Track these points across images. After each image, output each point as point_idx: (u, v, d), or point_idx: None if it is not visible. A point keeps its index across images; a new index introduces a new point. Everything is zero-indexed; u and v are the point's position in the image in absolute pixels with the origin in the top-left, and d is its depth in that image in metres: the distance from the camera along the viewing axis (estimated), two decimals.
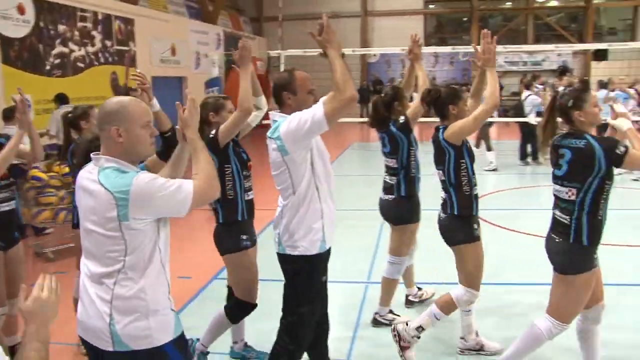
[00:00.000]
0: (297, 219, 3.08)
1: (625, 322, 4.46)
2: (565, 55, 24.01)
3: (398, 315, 4.60)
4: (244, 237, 3.71)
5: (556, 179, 3.28)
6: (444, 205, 3.92)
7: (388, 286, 4.56)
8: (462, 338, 4.12)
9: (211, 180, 2.34)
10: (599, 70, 21.59)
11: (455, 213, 3.82)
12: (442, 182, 3.91)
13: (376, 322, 4.61)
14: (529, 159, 12.22)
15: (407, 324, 3.96)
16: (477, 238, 3.84)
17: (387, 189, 4.48)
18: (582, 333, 3.50)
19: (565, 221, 3.22)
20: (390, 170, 4.45)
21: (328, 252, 3.20)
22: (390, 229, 4.60)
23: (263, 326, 3.94)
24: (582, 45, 20.99)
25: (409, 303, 4.93)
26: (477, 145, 11.65)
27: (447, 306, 3.89)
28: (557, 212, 3.28)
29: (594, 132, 3.33)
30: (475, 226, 3.86)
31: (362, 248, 6.51)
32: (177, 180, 2.26)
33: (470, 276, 3.84)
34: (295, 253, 3.11)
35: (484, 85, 3.91)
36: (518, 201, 9.45)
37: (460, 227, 3.84)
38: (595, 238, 3.18)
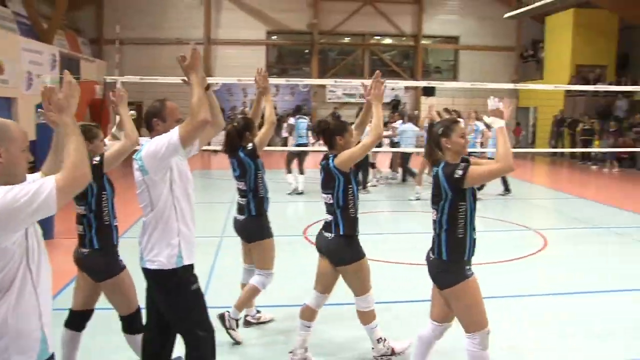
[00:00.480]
0: (155, 234, 3.38)
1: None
2: (398, 89, 25.99)
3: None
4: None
5: None
6: (328, 226, 4.33)
7: (252, 293, 4.98)
8: (373, 348, 4.57)
9: (76, 167, 2.27)
10: (427, 105, 23.44)
11: (341, 233, 4.25)
12: (329, 205, 4.32)
13: (247, 323, 5.19)
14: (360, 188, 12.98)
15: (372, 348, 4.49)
16: (363, 255, 4.33)
17: (239, 209, 5.00)
18: (421, 339, 3.92)
19: (434, 239, 3.65)
20: (241, 192, 4.95)
21: (187, 267, 3.45)
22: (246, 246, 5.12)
23: None
24: (413, 82, 22.75)
25: (247, 324, 5.25)
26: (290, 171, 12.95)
27: (365, 316, 4.40)
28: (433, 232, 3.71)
29: None
30: (359, 245, 4.36)
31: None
32: (35, 182, 2.22)
33: (362, 286, 4.34)
34: (153, 267, 3.40)
35: (369, 118, 4.48)
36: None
37: (348, 245, 4.29)
38: (454, 254, 3.57)
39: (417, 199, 11.95)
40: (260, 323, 5.25)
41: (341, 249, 4.29)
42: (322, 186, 4.36)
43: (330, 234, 4.31)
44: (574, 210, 12.01)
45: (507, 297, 5.98)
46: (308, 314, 4.45)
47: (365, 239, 4.38)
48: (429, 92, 26.38)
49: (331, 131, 4.34)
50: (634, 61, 25.53)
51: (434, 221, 3.67)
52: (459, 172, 3.45)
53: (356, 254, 4.31)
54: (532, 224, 9.94)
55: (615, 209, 11.88)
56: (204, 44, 25.94)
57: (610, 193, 14.84)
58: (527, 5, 21.85)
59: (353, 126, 4.54)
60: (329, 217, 4.33)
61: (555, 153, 23.82)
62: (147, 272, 3.44)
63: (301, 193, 12.65)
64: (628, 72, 24.42)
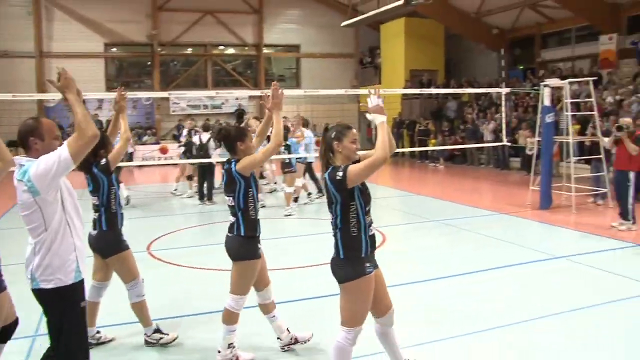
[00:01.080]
0: (51, 253, 3.39)
1: None
2: (242, 99, 26.32)
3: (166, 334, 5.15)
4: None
5: None
6: (231, 227, 4.63)
7: (140, 308, 5.10)
8: (278, 338, 4.94)
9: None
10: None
11: (242, 234, 4.55)
12: (231, 207, 4.62)
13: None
14: (205, 199, 13.28)
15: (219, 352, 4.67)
16: (258, 257, 4.63)
17: (93, 224, 5.02)
18: (382, 336, 4.22)
19: (333, 239, 3.90)
20: (94, 207, 5.01)
21: (82, 281, 3.53)
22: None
23: None
24: (256, 91, 23.03)
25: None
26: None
27: (230, 317, 4.61)
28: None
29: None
30: (259, 245, 4.67)
31: None
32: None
33: (245, 287, 4.63)
34: (50, 286, 3.40)
35: (270, 126, 4.76)
36: (194, 239, 10.22)
37: (246, 245, 4.58)
38: (350, 251, 3.80)
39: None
40: (99, 344, 5.13)
41: (238, 247, 4.59)
42: (224, 189, 4.66)
43: (232, 234, 4.62)
44: (411, 206, 13.00)
45: None
46: (265, 309, 4.89)
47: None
48: None
49: (232, 137, 4.60)
50: (459, 66, 27.95)
51: (331, 223, 3.87)
52: (340, 174, 3.68)
53: (251, 253, 4.59)
54: (374, 223, 10.50)
55: (446, 203, 12.98)
56: (36, 58, 24.68)
57: (442, 188, 16.10)
58: (363, 14, 23.06)
59: (255, 134, 4.91)
60: (232, 219, 4.62)
61: (396, 153, 25.18)
62: (42, 292, 3.41)
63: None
64: (455, 76, 26.72)
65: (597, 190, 12.39)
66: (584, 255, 8.22)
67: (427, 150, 21.77)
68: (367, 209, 3.85)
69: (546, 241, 9.52)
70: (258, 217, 4.66)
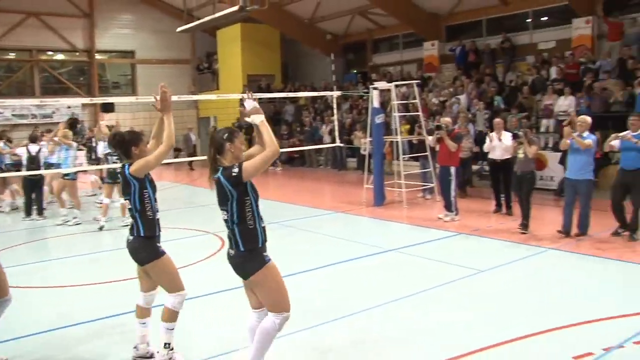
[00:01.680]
0: None
1: None
2: (75, 107, 25.07)
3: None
4: None
5: None
6: (131, 229, 4.73)
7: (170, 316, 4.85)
8: (135, 347, 4.89)
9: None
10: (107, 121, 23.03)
11: (142, 234, 4.65)
12: (130, 210, 4.72)
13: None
14: (36, 214, 12.50)
15: (157, 352, 4.74)
16: (162, 253, 4.72)
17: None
18: (252, 330, 4.40)
19: (229, 237, 4.19)
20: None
21: None
22: None
23: None
24: (86, 99, 22.09)
25: None
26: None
27: (171, 315, 4.67)
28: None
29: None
30: (159, 245, 4.74)
31: None
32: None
33: (172, 282, 4.69)
34: None
35: (164, 128, 4.80)
36: (31, 255, 9.72)
37: (147, 246, 4.67)
38: (250, 243, 4.13)
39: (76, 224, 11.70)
40: None
41: (140, 249, 4.68)
42: (122, 192, 4.84)
43: (131, 237, 4.72)
44: None
45: (203, 296, 6.41)
46: (140, 312, 4.84)
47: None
48: (108, 108, 25.86)
49: (127, 142, 4.71)
50: (296, 70, 28.72)
51: (226, 220, 4.17)
52: (236, 170, 4.01)
53: (154, 253, 4.68)
54: (211, 228, 10.50)
55: (285, 205, 13.34)
56: None
57: (282, 191, 16.38)
58: (199, 20, 22.86)
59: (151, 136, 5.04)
60: (130, 222, 4.75)
61: None
62: None
63: None
64: (292, 80, 27.41)
65: (425, 186, 13.39)
66: (413, 246, 8.90)
67: None
68: (258, 202, 4.19)
69: (379, 236, 10.13)
70: (157, 217, 4.76)
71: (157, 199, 4.81)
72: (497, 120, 11.57)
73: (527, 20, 19.92)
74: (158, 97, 4.82)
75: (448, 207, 10.84)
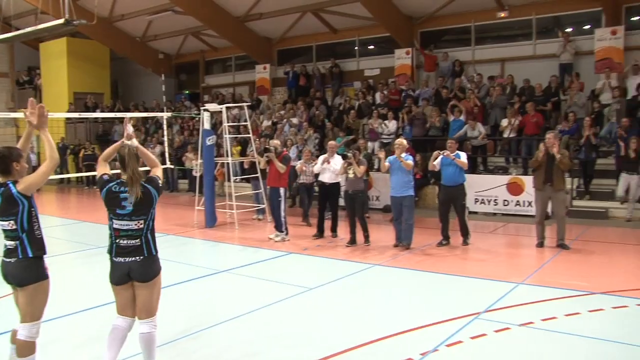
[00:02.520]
0: None
1: None
2: None
3: None
4: None
5: None
6: (11, 251, 4.44)
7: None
8: None
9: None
10: None
11: (30, 255, 4.43)
12: (11, 231, 4.44)
13: None
14: None
15: None
16: (47, 276, 4.53)
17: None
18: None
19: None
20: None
21: None
22: None
23: None
24: None
25: None
26: None
27: (30, 347, 4.43)
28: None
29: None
30: (46, 266, 4.55)
31: None
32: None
33: (39, 310, 4.47)
34: None
35: (29, 145, 4.79)
36: None
37: (36, 266, 4.47)
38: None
39: None
40: None
41: (26, 270, 4.44)
42: (2, 214, 4.45)
43: (13, 259, 4.43)
44: (78, 234, 12.44)
45: None
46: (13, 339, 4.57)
47: None
48: None
49: (9, 158, 4.46)
50: (127, 89, 27.81)
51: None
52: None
53: (41, 273, 4.50)
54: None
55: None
56: None
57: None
58: (18, 30, 21.32)
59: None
60: (12, 243, 4.44)
61: (62, 180, 24.08)
62: None
63: None
64: (122, 99, 26.47)
65: (256, 207, 13.55)
66: (245, 267, 8.96)
67: (94, 176, 21.02)
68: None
69: (211, 257, 10.10)
70: (43, 236, 4.58)
71: None
72: (331, 143, 11.87)
73: (355, 48, 21.10)
74: (28, 112, 4.63)
75: (278, 227, 11.04)
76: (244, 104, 14.80)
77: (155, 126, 22.87)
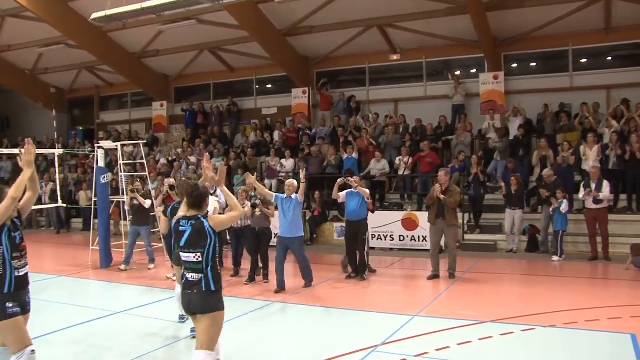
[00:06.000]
0: None
1: None
2: None
3: None
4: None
5: None
6: (195, 284, 4.66)
7: None
8: None
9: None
10: None
11: (212, 289, 4.64)
12: (196, 263, 4.67)
13: None
14: None
15: None
16: (224, 308, 4.75)
17: None
18: None
19: None
20: None
21: None
22: None
23: None
24: None
25: None
26: None
27: None
28: None
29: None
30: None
31: None
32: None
33: (214, 341, 4.69)
34: None
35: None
36: None
37: (215, 299, 4.67)
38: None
39: None
40: None
41: (208, 301, 4.65)
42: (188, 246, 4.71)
43: (196, 290, 4.66)
44: None
45: None
46: None
47: None
48: None
49: (205, 195, 4.80)
50: (14, 123, 26.41)
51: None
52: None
53: (220, 306, 4.71)
54: None
55: None
56: None
57: None
58: None
59: None
60: (196, 276, 4.67)
61: None
62: None
63: None
64: (10, 134, 25.12)
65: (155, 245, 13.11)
66: (143, 307, 8.65)
67: None
68: None
69: (107, 298, 9.65)
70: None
71: None
72: (242, 188, 11.42)
73: (253, 87, 21.22)
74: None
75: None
76: (140, 141, 14.47)
77: (46, 163, 21.78)
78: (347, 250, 10.63)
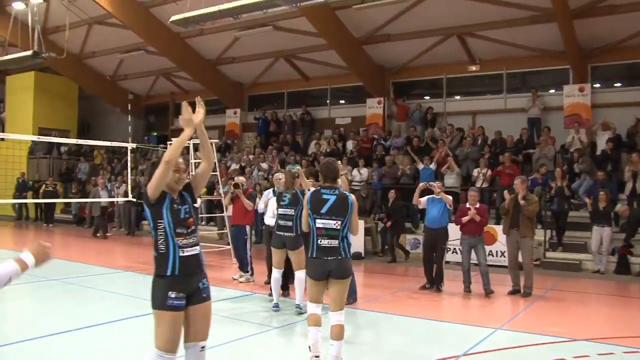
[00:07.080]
0: None
1: None
2: None
3: None
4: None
5: None
6: (334, 250, 4.98)
7: None
8: None
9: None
10: None
11: (348, 256, 4.99)
12: (334, 230, 4.98)
13: None
14: None
15: None
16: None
17: None
18: None
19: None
20: None
21: None
22: None
23: None
24: None
25: None
26: None
27: (343, 330, 4.95)
28: None
29: None
30: None
31: None
32: None
33: (344, 301, 5.07)
34: None
35: None
36: None
37: (350, 265, 4.99)
38: None
39: None
40: None
41: (348, 267, 5.04)
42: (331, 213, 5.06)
43: (336, 257, 4.99)
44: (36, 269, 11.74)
45: None
46: None
47: None
48: None
49: (338, 169, 5.25)
50: (94, 127, 27.18)
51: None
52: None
53: (352, 271, 5.12)
54: None
55: (73, 263, 12.14)
56: None
57: (71, 250, 15.13)
58: None
59: None
60: (334, 242, 4.99)
61: (20, 216, 23.46)
62: None
63: None
64: (88, 137, 25.76)
65: (221, 247, 13.02)
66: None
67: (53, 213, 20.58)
68: None
69: None
70: None
71: None
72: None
73: (327, 96, 21.03)
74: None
75: (242, 267, 10.46)
76: (211, 140, 14.44)
77: (120, 166, 22.24)
78: (424, 259, 10.13)
